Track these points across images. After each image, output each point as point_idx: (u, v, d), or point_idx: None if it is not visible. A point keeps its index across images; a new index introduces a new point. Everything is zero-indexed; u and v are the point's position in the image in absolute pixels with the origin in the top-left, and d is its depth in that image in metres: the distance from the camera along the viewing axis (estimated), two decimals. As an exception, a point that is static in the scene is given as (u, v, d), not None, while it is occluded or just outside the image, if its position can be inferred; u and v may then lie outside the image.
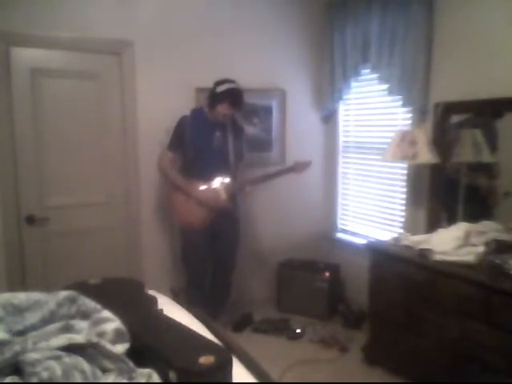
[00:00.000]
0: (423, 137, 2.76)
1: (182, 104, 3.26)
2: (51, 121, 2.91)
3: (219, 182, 3.00)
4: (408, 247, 2.60)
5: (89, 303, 1.36)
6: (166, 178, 3.10)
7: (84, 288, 1.53)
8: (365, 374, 2.76)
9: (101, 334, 1.22)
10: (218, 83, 2.90)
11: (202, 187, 2.97)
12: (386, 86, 3.17)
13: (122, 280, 1.94)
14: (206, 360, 1.16)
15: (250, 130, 3.54)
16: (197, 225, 3.00)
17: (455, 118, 2.80)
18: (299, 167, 3.18)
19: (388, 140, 3.00)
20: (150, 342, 1.27)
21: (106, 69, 3.05)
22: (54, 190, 2.96)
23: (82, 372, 1.05)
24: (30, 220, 2.89)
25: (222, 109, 2.89)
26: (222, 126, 3.03)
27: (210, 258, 3.15)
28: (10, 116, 2.78)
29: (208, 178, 2.98)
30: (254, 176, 3.17)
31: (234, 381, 1.22)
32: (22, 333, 1.23)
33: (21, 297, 1.35)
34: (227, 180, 3.03)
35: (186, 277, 3.14)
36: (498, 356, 2.06)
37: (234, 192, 3.07)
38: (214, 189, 2.98)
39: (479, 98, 2.59)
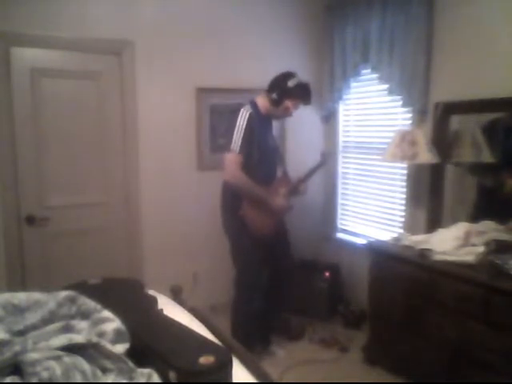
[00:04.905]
0: (423, 137, 2.76)
1: (182, 104, 3.26)
2: (51, 121, 2.91)
3: (283, 183, 2.86)
4: (408, 247, 2.60)
5: (89, 303, 1.36)
6: (240, 187, 2.64)
7: (84, 288, 1.53)
8: (365, 374, 2.76)
9: (101, 334, 1.22)
10: (286, 77, 2.66)
11: (275, 192, 2.77)
12: (386, 86, 3.17)
13: (122, 280, 1.95)
14: (205, 360, 1.16)
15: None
16: (269, 232, 2.79)
17: (455, 118, 2.80)
18: (327, 158, 3.15)
19: (388, 140, 3.00)
20: (149, 342, 1.27)
21: (106, 69, 3.05)
22: (54, 190, 2.96)
23: (82, 372, 1.05)
24: (30, 220, 2.89)
25: (293, 104, 2.70)
26: (270, 122, 2.84)
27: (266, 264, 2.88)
28: (9, 116, 2.78)
29: (271, 181, 2.80)
30: (300, 175, 2.99)
31: (234, 381, 1.23)
32: (22, 333, 1.23)
33: (21, 297, 1.36)
34: (288, 181, 2.89)
35: (239, 289, 2.83)
36: (497, 356, 2.06)
37: (293, 193, 2.91)
38: (281, 192, 2.80)
39: (479, 98, 2.59)
